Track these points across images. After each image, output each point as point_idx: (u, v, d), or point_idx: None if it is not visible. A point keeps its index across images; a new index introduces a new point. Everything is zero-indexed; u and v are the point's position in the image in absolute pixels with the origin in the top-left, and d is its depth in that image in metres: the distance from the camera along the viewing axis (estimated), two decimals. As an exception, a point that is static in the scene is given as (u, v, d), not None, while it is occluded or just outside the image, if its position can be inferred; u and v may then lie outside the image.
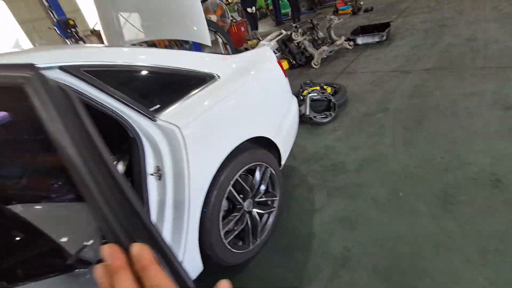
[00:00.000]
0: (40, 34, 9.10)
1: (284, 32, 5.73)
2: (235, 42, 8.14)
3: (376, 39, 5.36)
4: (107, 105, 1.13)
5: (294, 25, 5.46)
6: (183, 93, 1.40)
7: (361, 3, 9.16)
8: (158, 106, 1.30)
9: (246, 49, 7.64)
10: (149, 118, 1.26)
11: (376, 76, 3.99)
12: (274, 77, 1.97)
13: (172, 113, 1.32)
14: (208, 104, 1.42)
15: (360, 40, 5.53)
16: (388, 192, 2.05)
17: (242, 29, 8.12)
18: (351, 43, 5.42)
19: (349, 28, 6.56)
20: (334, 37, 5.53)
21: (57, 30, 5.96)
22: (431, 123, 2.65)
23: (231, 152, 1.52)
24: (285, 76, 2.12)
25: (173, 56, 1.43)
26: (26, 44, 9.37)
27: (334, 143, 2.79)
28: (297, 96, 3.60)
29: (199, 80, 1.49)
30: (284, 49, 5.32)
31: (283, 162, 2.06)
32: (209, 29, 1.81)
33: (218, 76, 1.60)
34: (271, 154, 1.88)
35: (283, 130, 1.97)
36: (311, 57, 5.21)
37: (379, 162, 2.37)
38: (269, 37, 5.96)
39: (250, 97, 1.69)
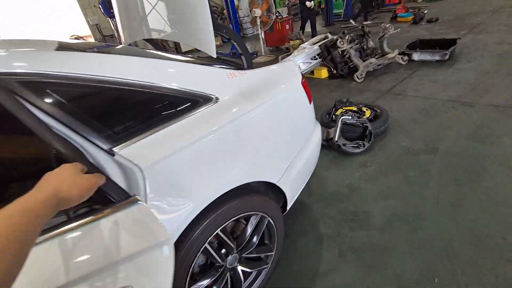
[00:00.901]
0: (94, 10, 9.45)
1: (330, 36, 5.21)
2: (276, 41, 7.72)
3: (437, 57, 4.61)
4: (46, 130, 0.83)
5: (347, 25, 4.89)
6: (159, 120, 1.07)
7: (425, 11, 8.16)
8: (120, 135, 0.99)
9: (287, 49, 7.19)
10: (105, 151, 0.95)
11: (428, 103, 3.36)
12: (293, 104, 1.57)
13: (137, 148, 0.99)
14: (188, 139, 1.08)
15: (416, 56, 4.81)
16: (419, 272, 1.57)
17: (287, 26, 7.64)
18: (406, 58, 4.74)
19: (406, 39, 5.80)
20: (386, 49, 4.87)
21: (101, 9, 6.02)
22: (493, 181, 2.06)
23: (215, 200, 1.18)
24: (310, 101, 1.71)
25: (153, 68, 1.10)
26: (79, 18, 9.77)
27: (361, 183, 2.31)
28: (329, 114, 3.14)
29: (187, 102, 1.15)
30: (326, 55, 4.80)
31: (288, 207, 1.67)
32: (221, 34, 1.46)
33: (217, 99, 1.25)
34: (273, 200, 1.50)
35: (294, 170, 1.57)
36: (355, 69, 4.64)
37: (414, 223, 1.87)
38: (312, 40, 5.47)
39: (253, 130, 1.31)
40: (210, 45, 1.33)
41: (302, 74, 1.67)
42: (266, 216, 1.44)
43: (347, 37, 4.49)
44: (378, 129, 2.85)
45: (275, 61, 5.58)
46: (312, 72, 5.11)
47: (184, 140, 1.07)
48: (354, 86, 4.37)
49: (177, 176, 1.05)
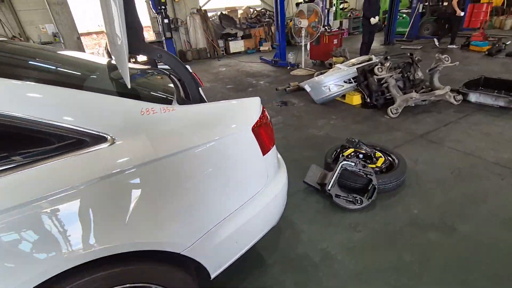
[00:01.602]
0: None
1: (374, 59, 4.64)
2: (321, 54, 7.25)
3: (501, 102, 3.76)
4: None
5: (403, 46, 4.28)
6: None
7: (507, 43, 6.90)
8: None
9: (330, 65, 6.68)
10: None
11: (467, 161, 2.68)
12: (232, 155, 1.24)
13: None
14: (32, 194, 0.85)
15: (474, 97, 3.99)
16: None
17: (335, 41, 7.11)
18: (459, 97, 3.96)
19: (466, 74, 4.91)
20: (436, 83, 4.14)
21: (151, 4, 6.27)
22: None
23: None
24: (267, 150, 1.37)
25: (19, 94, 0.89)
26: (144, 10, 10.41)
27: (339, 253, 1.87)
28: (334, 154, 2.70)
29: (59, 141, 0.93)
30: (362, 80, 4.25)
31: (213, 275, 1.35)
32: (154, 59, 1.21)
33: (113, 139, 1.00)
34: (183, 268, 1.21)
35: (222, 235, 1.26)
36: (392, 101, 4.02)
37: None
38: (353, 61, 4.93)
39: (148, 185, 1.03)
40: (124, 73, 1.10)
41: (260, 119, 1.33)
42: (164, 288, 1.16)
43: (388, 64, 3.90)
44: (387, 185, 2.33)
45: (311, 77, 5.17)
46: (343, 96, 4.60)
47: (27, 194, 0.85)
48: (385, 121, 3.77)
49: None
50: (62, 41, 9.31)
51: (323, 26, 7.14)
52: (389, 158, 2.61)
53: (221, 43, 10.92)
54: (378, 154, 2.63)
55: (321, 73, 5.10)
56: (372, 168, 2.43)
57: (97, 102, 1.03)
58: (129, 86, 1.10)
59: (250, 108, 1.34)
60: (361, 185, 2.35)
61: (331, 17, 11.64)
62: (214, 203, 1.22)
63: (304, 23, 6.46)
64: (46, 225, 0.88)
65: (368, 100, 4.22)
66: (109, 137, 1.00)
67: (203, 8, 10.90)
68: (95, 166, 0.96)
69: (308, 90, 4.65)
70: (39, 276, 0.88)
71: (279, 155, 1.76)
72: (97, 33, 10.27)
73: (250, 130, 1.27)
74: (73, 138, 0.95)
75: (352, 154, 2.60)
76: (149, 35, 10.84)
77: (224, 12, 11.45)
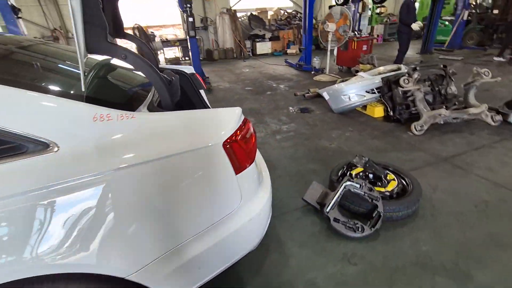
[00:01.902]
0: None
1: (403, 68, 4.28)
2: (349, 60, 6.90)
3: (548, 127, 3.26)
4: None
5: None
6: None
7: None
8: None
9: (357, 71, 6.33)
10: None
11: (498, 194, 2.32)
12: (196, 172, 1.10)
13: None
14: None
15: (515, 119, 3.51)
16: None
17: (364, 47, 6.72)
18: (498, 118, 3.52)
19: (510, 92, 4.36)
20: (472, 100, 3.71)
21: (177, 1, 6.32)
22: None
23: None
24: (241, 169, 1.21)
25: None
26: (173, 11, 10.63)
27: (328, 286, 1.66)
28: (343, 168, 2.47)
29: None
30: (386, 92, 3.92)
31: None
32: (120, 59, 1.10)
33: (56, 147, 0.91)
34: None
35: (177, 261, 1.12)
36: (417, 116, 3.66)
37: None
38: (380, 69, 4.59)
39: (87, 201, 0.92)
40: (80, 73, 1.00)
41: (237, 133, 1.17)
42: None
43: (416, 75, 3.54)
44: (395, 213, 2.06)
45: (333, 84, 4.89)
46: (364, 107, 4.28)
47: None
48: (407, 138, 3.42)
49: None
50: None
51: (353, 31, 6.79)
52: (403, 182, 2.32)
53: (248, 43, 10.87)
54: (391, 176, 2.35)
55: (343, 81, 4.81)
56: (381, 192, 2.18)
57: (41, 104, 0.94)
58: (83, 89, 1.00)
59: (225, 121, 1.18)
60: (365, 210, 2.10)
61: (364, 21, 11.11)
62: (169, 226, 1.08)
63: (331, 27, 6.17)
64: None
65: (391, 113, 3.88)
66: (51, 145, 0.91)
67: (233, 8, 10.92)
68: (30, 176, 0.87)
69: (326, 98, 4.39)
70: None
71: (265, 171, 1.59)
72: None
73: (220, 146, 1.12)
74: (8, 142, 0.87)
75: (361, 173, 2.35)
76: (180, 33, 11.07)
77: (253, 13, 11.38)
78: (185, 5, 5.82)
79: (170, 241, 1.10)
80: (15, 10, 4.99)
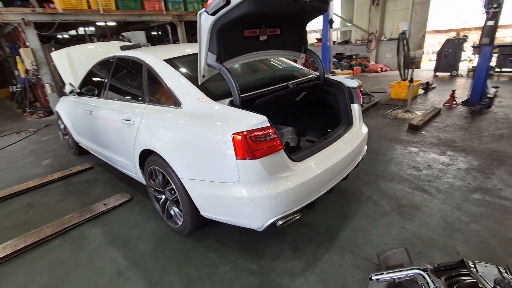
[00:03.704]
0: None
1: None
2: None
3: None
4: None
5: None
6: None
7: None
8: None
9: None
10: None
11: None
12: (207, 143, 1.82)
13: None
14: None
15: None
16: None
17: None
18: None
19: None
20: None
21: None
22: None
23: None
24: (238, 157, 1.67)
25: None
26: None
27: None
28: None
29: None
30: None
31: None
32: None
33: (182, 106, 2.05)
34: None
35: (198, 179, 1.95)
36: None
37: None
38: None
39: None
40: (199, 71, 2.01)
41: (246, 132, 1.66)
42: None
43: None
44: None
45: None
46: None
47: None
48: None
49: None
50: (407, 38, 10.18)
51: None
52: None
53: None
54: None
55: None
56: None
57: (187, 86, 2.07)
58: (199, 83, 2.00)
59: (244, 121, 1.69)
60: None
61: None
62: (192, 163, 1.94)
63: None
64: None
65: None
66: (182, 104, 2.04)
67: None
68: (174, 114, 2.07)
69: None
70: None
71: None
72: (442, 31, 9.86)
73: (230, 135, 1.69)
74: (172, 99, 2.11)
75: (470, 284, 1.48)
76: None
77: None
78: (489, 5, 4.69)
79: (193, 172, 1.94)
80: (330, 23, 6.85)
